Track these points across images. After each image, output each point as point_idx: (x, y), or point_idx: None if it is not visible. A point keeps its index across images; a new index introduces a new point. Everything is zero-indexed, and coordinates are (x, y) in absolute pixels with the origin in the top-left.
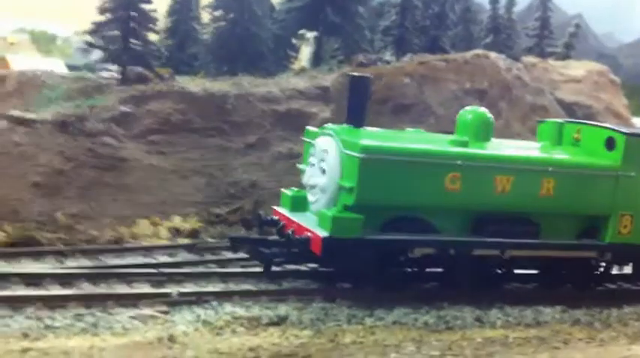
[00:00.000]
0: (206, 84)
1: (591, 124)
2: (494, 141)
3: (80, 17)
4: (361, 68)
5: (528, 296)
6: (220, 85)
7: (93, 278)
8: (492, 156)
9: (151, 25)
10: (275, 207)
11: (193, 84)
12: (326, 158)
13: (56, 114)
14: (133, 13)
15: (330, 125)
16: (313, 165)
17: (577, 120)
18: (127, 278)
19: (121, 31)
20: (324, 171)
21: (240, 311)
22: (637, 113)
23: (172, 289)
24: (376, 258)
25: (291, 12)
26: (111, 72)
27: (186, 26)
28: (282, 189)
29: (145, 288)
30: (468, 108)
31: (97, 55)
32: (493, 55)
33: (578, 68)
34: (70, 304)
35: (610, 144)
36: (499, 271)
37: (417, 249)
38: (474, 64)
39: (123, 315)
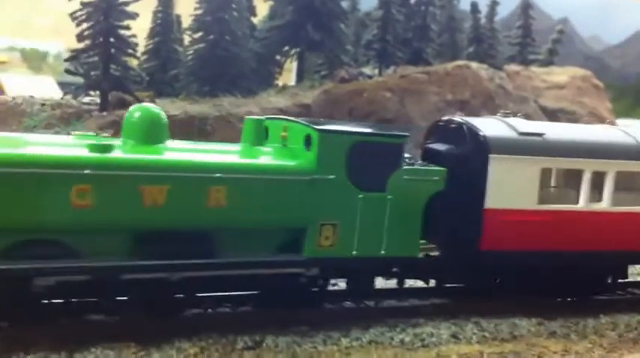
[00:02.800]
0: (187, 106)
1: (294, 121)
2: (170, 144)
3: (71, 33)
4: (343, 83)
5: (505, 309)
6: (201, 107)
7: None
8: (135, 162)
9: (130, 51)
10: None
11: (174, 106)
12: None
13: None
14: (112, 40)
15: None
16: None
17: (285, 117)
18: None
19: (100, 58)
20: None
21: (215, 336)
22: (625, 114)
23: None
24: None
25: (273, 30)
26: (92, 97)
27: (168, 48)
28: None
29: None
30: (136, 106)
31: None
32: (475, 65)
33: (561, 74)
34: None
35: (308, 143)
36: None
37: (41, 279)
38: (455, 75)
39: (97, 347)
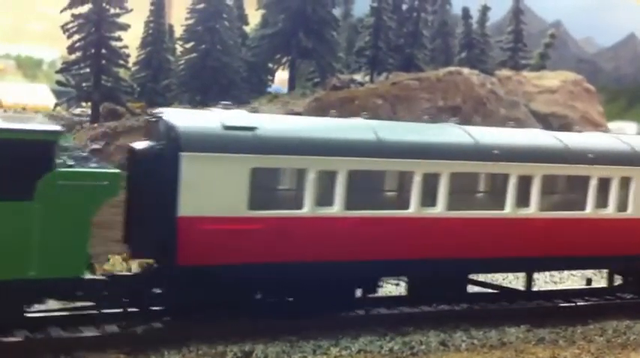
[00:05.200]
0: None
1: None
2: None
3: (66, 39)
4: (335, 91)
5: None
6: None
7: (61, 321)
8: None
9: (121, 62)
10: None
11: None
12: None
13: None
14: (103, 51)
15: None
16: None
17: None
18: (94, 320)
19: (91, 69)
20: None
21: (204, 347)
22: (618, 116)
23: (139, 328)
24: None
25: (265, 39)
26: (83, 108)
27: (160, 58)
28: None
29: (112, 329)
30: None
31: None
32: (466, 70)
33: (553, 78)
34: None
35: None
36: None
37: None
38: (446, 81)
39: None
